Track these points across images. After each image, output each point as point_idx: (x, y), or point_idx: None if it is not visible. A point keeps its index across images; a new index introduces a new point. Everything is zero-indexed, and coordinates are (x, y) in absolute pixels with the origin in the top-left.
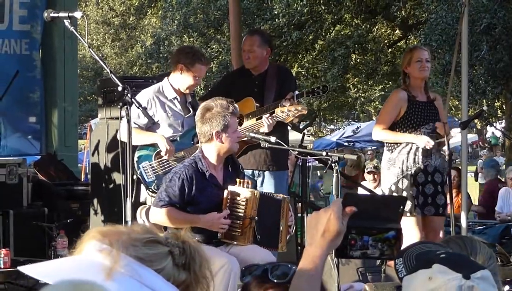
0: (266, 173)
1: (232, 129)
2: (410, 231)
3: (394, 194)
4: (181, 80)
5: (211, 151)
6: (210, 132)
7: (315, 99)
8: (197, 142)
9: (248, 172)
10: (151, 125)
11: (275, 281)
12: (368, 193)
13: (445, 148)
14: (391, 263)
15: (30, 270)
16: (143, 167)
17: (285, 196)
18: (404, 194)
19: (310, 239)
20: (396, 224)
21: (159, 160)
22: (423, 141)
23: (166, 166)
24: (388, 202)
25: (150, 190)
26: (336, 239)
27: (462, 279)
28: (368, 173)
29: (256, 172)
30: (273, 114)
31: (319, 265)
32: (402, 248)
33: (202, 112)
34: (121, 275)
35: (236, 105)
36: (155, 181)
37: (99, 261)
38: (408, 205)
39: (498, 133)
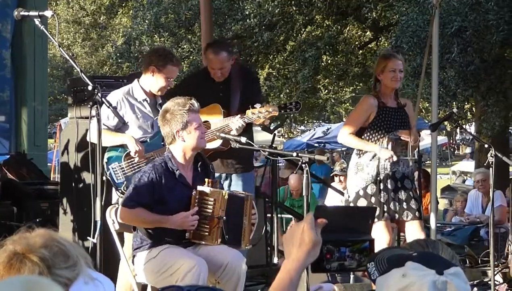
0: (233, 175)
1: (193, 125)
2: (379, 235)
3: (362, 198)
4: (153, 82)
5: (178, 150)
6: (171, 133)
7: (286, 100)
8: None
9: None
10: (121, 127)
11: None
12: (338, 194)
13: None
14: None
15: None
16: (112, 168)
17: (248, 194)
18: (373, 199)
19: (288, 254)
20: (368, 235)
21: (128, 161)
22: (386, 155)
23: (136, 167)
24: (358, 213)
25: (120, 191)
26: (313, 249)
27: (435, 275)
28: (335, 175)
29: (223, 175)
30: (244, 116)
31: (294, 278)
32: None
33: (162, 115)
34: None
35: (194, 101)
36: (125, 182)
37: None
38: (376, 211)
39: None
